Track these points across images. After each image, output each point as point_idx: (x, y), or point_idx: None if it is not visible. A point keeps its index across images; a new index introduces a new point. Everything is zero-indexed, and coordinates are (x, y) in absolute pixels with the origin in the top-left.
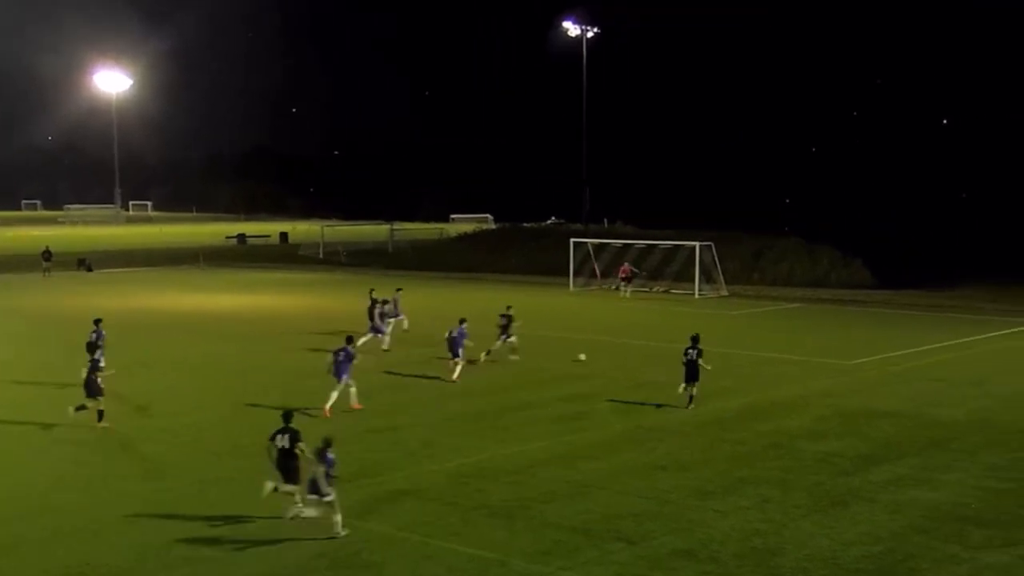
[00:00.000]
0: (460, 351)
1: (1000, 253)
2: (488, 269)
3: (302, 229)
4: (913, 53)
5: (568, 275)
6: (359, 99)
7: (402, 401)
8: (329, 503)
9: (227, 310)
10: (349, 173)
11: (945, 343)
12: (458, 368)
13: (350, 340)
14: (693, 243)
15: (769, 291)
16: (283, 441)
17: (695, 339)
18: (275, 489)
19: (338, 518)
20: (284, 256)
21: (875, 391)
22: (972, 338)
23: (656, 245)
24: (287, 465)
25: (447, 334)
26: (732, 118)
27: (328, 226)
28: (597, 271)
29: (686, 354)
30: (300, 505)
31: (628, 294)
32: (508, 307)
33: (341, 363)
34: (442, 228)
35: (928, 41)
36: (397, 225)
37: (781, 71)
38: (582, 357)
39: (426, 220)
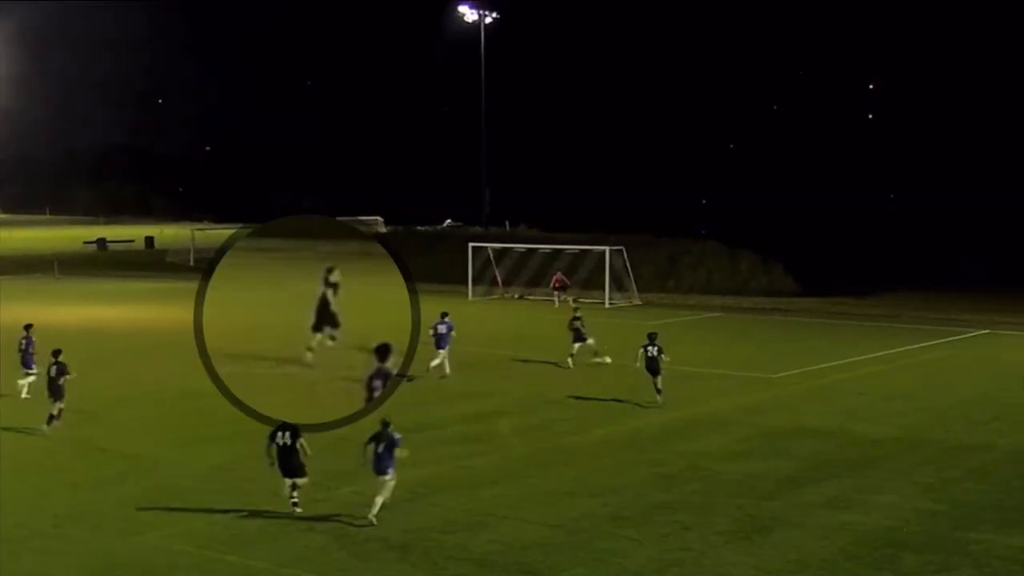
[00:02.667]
0: (446, 345)
1: (931, 257)
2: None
3: (170, 233)
4: (837, 42)
5: (467, 283)
6: (233, 91)
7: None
8: (389, 484)
9: (90, 324)
10: (222, 172)
11: (873, 354)
12: (441, 360)
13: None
14: (603, 247)
15: (686, 299)
16: (284, 438)
17: (653, 336)
18: (293, 487)
19: (380, 500)
20: (150, 263)
21: (800, 407)
22: (902, 348)
23: (562, 250)
24: (290, 462)
25: (431, 330)
26: (643, 112)
27: (199, 230)
28: (499, 278)
29: (646, 351)
30: (295, 499)
31: (561, 304)
32: (576, 308)
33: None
34: None
35: (853, 27)
36: None
37: (695, 61)
38: (608, 360)
39: None
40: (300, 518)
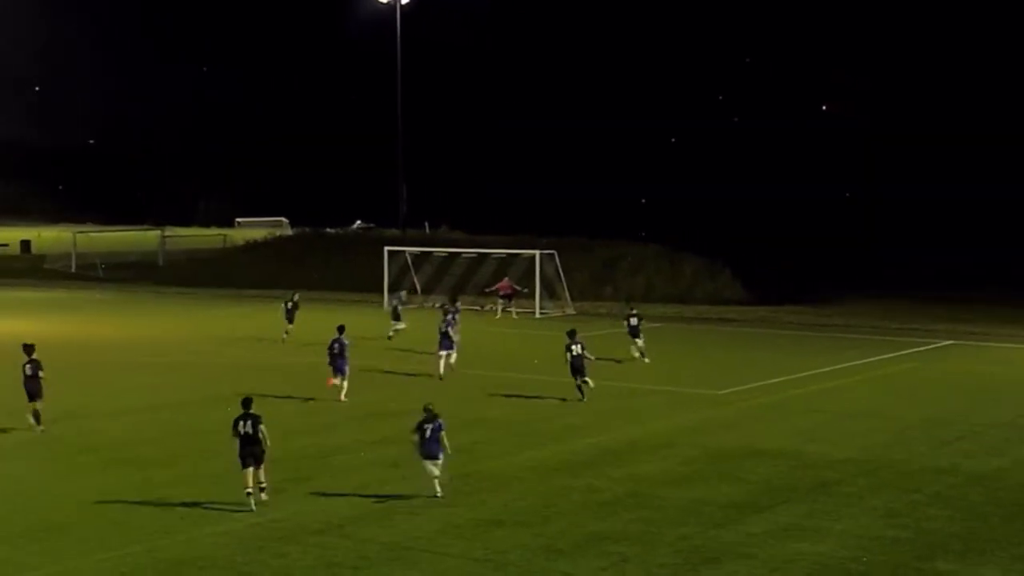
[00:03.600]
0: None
1: (891, 262)
2: (285, 284)
3: (49, 236)
4: (788, 25)
5: (383, 290)
6: (120, 79)
7: (180, 446)
8: (441, 464)
9: None
10: (108, 169)
11: (829, 368)
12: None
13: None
14: (533, 251)
15: (624, 308)
16: (246, 427)
17: (572, 333)
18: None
19: (438, 479)
20: (26, 270)
21: (750, 426)
22: (860, 361)
23: (489, 254)
24: (253, 451)
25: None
26: (575, 103)
27: (82, 233)
28: (417, 285)
29: (569, 350)
30: (263, 485)
31: (513, 314)
32: (631, 306)
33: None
34: (226, 235)
35: (805, 10)
36: (169, 231)
37: (633, 46)
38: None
39: (205, 225)
40: (183, 558)
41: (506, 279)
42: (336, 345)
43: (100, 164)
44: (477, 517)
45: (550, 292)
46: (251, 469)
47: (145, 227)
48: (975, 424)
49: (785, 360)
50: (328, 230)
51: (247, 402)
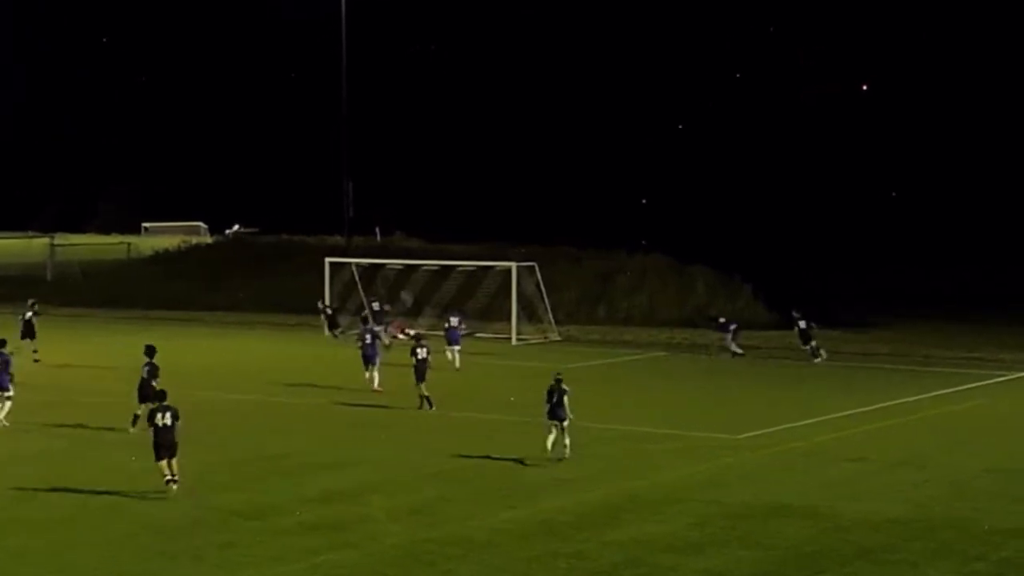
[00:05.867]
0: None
1: (948, 277)
2: (202, 305)
3: None
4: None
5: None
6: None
7: (66, 508)
8: (566, 426)
9: None
10: None
11: (872, 406)
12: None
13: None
14: (508, 263)
15: (621, 333)
16: (164, 419)
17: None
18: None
19: (568, 440)
20: None
21: (775, 478)
22: (911, 398)
23: (454, 267)
24: (170, 440)
25: (445, 326)
26: (560, 84)
27: None
28: (367, 306)
29: (415, 354)
30: (176, 477)
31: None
32: (719, 316)
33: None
34: (130, 242)
35: None
36: (60, 238)
37: (628, 15)
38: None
39: (104, 231)
40: None
41: (397, 321)
42: (368, 336)
43: None
44: None
45: (529, 314)
46: (165, 460)
47: (29, 234)
48: None
49: (817, 397)
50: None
51: (163, 394)
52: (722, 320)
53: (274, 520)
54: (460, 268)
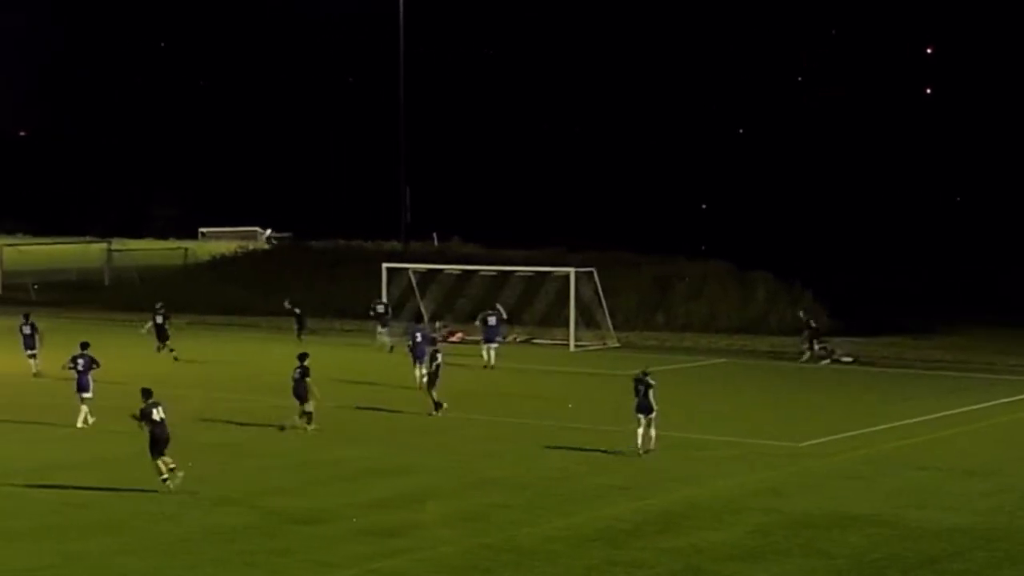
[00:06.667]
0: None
1: (1009, 281)
2: (259, 310)
3: None
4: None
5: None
6: (58, 56)
7: (120, 513)
8: (652, 419)
9: None
10: (43, 166)
11: (937, 414)
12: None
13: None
14: (566, 269)
15: (680, 339)
16: (160, 413)
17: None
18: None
19: (653, 432)
20: None
21: (837, 487)
22: (976, 406)
23: (512, 273)
24: (167, 434)
25: (479, 323)
26: (620, 88)
27: (10, 245)
28: (424, 311)
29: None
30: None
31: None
32: (807, 316)
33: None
34: (188, 248)
35: None
36: (117, 243)
37: (689, 17)
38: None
39: (162, 236)
40: None
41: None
42: (418, 335)
43: (33, 161)
44: None
45: (587, 320)
46: (162, 456)
47: (88, 239)
48: None
49: (881, 405)
50: (313, 243)
51: (149, 392)
52: (814, 325)
53: (328, 526)
54: (518, 274)
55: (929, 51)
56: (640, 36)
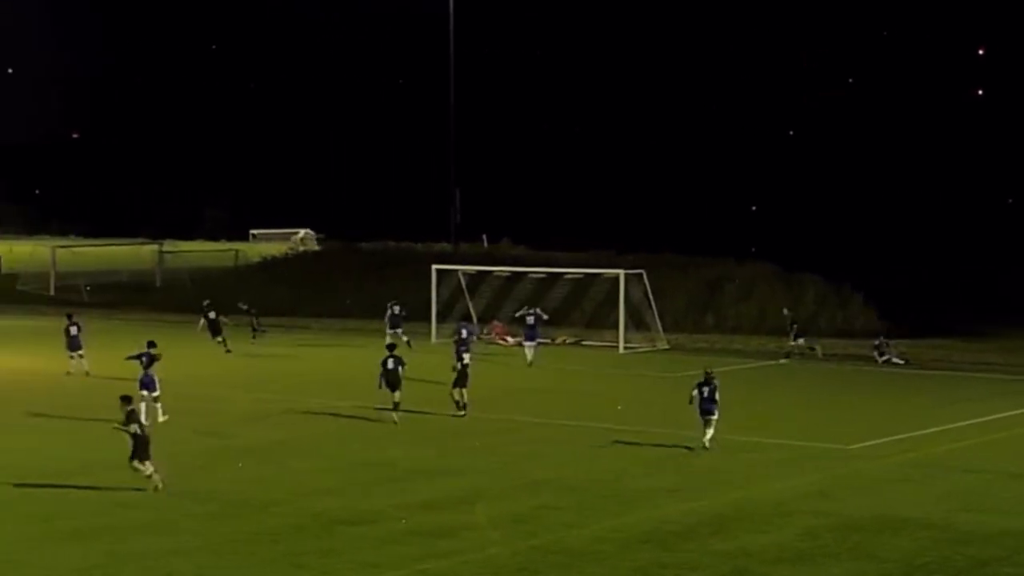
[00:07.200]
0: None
1: None
2: (309, 311)
3: (22, 251)
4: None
5: (430, 319)
6: (108, 59)
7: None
8: (713, 421)
9: None
10: (94, 167)
11: (988, 417)
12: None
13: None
14: (616, 271)
15: (729, 342)
16: (136, 427)
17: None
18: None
19: (710, 432)
20: None
21: (887, 490)
22: None
23: (561, 275)
24: (148, 438)
25: (519, 319)
26: (667, 89)
27: (63, 247)
28: (472, 313)
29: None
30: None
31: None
32: (791, 314)
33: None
34: (238, 249)
35: None
36: (168, 245)
37: (739, 17)
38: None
39: (212, 237)
40: None
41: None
42: (464, 331)
43: (85, 163)
44: None
45: (637, 322)
46: (142, 461)
47: (139, 240)
48: None
49: (931, 407)
50: (363, 245)
51: (129, 398)
52: (796, 325)
53: (377, 527)
54: (567, 276)
55: (981, 52)
56: (690, 37)
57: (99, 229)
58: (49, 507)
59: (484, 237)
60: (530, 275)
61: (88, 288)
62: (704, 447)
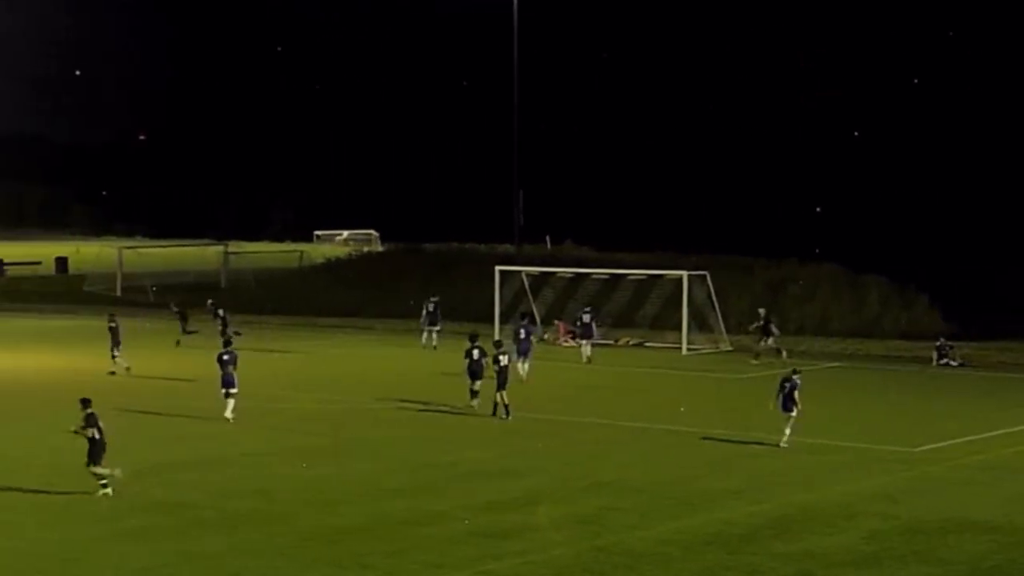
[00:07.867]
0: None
1: None
2: (373, 312)
3: (89, 252)
4: None
5: (493, 320)
6: (172, 63)
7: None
8: (792, 418)
9: None
10: (160, 169)
11: None
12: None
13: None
14: (679, 272)
15: (794, 343)
16: (99, 422)
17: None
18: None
19: (788, 431)
20: (63, 293)
21: (953, 492)
22: None
23: (624, 276)
24: (104, 444)
25: (578, 323)
26: (732, 91)
27: (129, 248)
28: (536, 315)
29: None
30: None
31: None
32: (766, 314)
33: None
34: (302, 250)
35: None
36: (234, 246)
37: (803, 20)
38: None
39: (277, 239)
40: None
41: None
42: (523, 331)
43: (152, 165)
44: None
45: (700, 323)
46: (99, 466)
47: (205, 241)
48: None
49: (997, 410)
50: (426, 246)
51: (88, 401)
52: (773, 328)
53: (441, 527)
54: (630, 277)
55: None
56: (755, 38)
57: (164, 230)
58: (114, 506)
59: (547, 238)
60: (593, 276)
61: (154, 289)
62: (780, 445)
